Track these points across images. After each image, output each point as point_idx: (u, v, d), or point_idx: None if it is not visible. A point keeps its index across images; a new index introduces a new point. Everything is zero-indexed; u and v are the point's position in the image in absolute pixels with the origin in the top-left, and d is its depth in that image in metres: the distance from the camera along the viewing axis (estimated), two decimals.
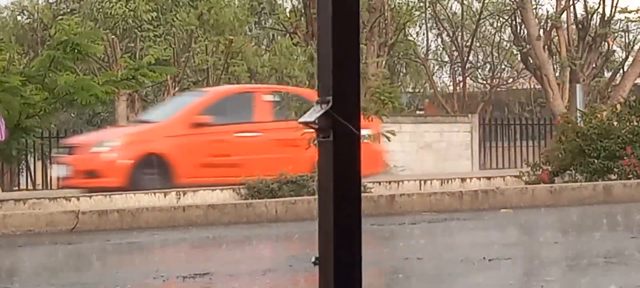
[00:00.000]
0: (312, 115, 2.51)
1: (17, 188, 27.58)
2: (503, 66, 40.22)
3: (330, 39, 2.45)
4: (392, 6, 31.45)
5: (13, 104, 20.03)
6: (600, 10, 32.92)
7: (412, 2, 36.27)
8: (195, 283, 11.95)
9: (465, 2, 37.57)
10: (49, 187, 28.23)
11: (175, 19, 30.86)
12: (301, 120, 2.65)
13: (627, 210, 18.96)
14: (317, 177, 2.62)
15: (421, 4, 36.88)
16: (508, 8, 35.85)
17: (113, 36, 28.40)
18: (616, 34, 35.15)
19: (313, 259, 2.63)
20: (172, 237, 16.67)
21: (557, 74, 31.01)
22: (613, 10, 33.17)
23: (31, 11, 33.57)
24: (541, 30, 31.44)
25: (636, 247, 13.80)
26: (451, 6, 37.93)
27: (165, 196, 22.89)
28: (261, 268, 13.37)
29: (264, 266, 13.45)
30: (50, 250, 15.87)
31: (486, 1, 37.35)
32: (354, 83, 2.54)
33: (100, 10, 30.46)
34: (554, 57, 31.48)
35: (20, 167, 28.12)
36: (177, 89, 29.04)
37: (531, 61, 32.58)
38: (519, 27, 34.19)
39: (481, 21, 37.66)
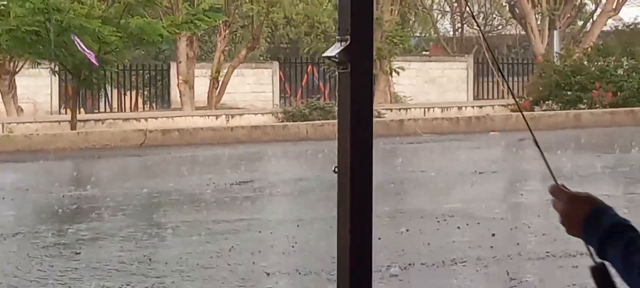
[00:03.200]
0: (333, 50, 2.50)
1: (97, 111, 27.64)
2: (494, 15, 39.91)
3: None
4: None
5: (93, 42, 20.10)
6: None
7: None
8: (240, 188, 12.00)
9: None
10: (123, 110, 28.33)
11: None
12: (324, 54, 2.63)
13: (593, 134, 18.89)
14: (337, 102, 2.59)
15: None
16: None
17: None
18: None
19: (334, 168, 2.63)
20: (222, 152, 16.73)
21: (538, 22, 30.70)
22: None
23: None
24: None
25: (601, 164, 13.77)
26: None
27: (216, 118, 22.95)
28: (295, 177, 13.41)
29: (297, 175, 13.50)
30: (124, 161, 15.97)
31: None
32: (368, 25, 2.52)
33: None
34: (536, 8, 31.13)
35: (100, 94, 28.13)
36: (227, 31, 28.96)
37: (517, 11, 32.35)
38: None
39: None
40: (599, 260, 1.99)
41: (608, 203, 2.13)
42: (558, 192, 2.14)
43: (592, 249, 2.02)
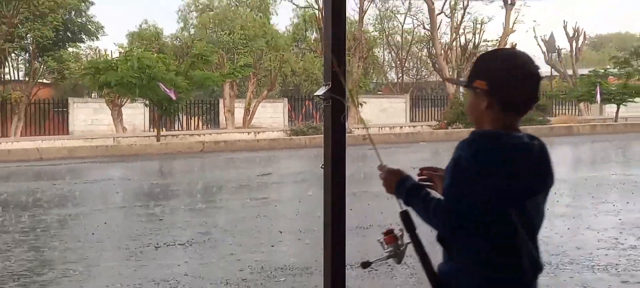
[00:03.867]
0: (321, 91, 2.52)
1: (173, 129, 27.62)
2: (422, 69, 40.03)
3: (330, 52, 2.45)
4: (366, 38, 31.31)
5: (170, 86, 20.12)
6: (473, 40, 32.69)
7: (375, 35, 35.95)
8: (262, 177, 11.99)
9: (403, 35, 37.24)
10: (189, 129, 28.35)
11: (255, 42, 30.70)
12: (315, 94, 2.64)
13: None
14: (324, 124, 2.59)
15: (381, 37, 36.59)
16: (425, 38, 35.48)
17: (222, 52, 28.29)
18: (486, 48, 34.95)
19: (321, 165, 2.63)
20: (251, 155, 16.73)
21: (450, 73, 30.80)
22: (480, 40, 32.97)
23: (181, 38, 33.48)
24: (442, 50, 31.17)
25: None
26: (396, 37, 37.64)
27: (248, 134, 22.95)
28: (297, 171, 13.41)
29: (298, 170, 13.49)
30: (190, 161, 15.94)
31: (414, 35, 37.01)
32: (342, 75, 2.53)
33: (216, 39, 30.39)
34: (449, 64, 31.24)
35: (175, 119, 28.13)
36: (255, 79, 29.00)
37: (437, 66, 32.44)
38: (431, 49, 33.96)
39: (411, 45, 37.39)
40: (405, 208, 2.23)
41: None
42: (382, 167, 2.36)
43: (401, 202, 2.24)
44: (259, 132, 23.87)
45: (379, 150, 2.51)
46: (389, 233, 2.25)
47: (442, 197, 2.12)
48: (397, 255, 2.23)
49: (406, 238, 2.23)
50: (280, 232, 7.13)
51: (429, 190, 2.20)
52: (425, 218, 2.13)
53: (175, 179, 12.62)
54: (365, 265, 2.27)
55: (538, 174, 2.13)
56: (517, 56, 2.19)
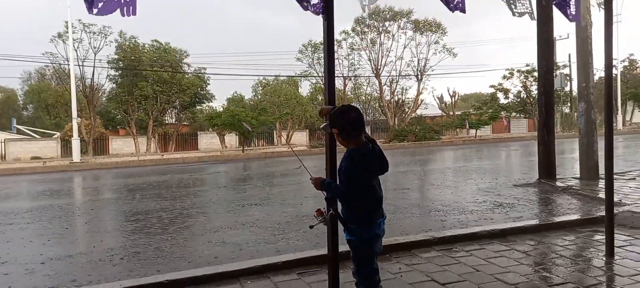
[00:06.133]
0: (323, 125, 2.57)
1: (250, 146, 27.46)
2: (376, 113, 38.83)
3: (327, 99, 2.47)
4: (347, 98, 30.66)
5: (249, 124, 19.98)
6: (402, 98, 31.72)
7: (352, 97, 34.81)
8: (297, 170, 11.85)
9: (366, 96, 36.23)
10: (259, 146, 28.24)
11: (291, 101, 30.40)
12: (321, 127, 2.70)
13: (402, 151, 18.28)
14: (325, 143, 2.65)
15: (355, 98, 34.92)
16: (377, 98, 34.23)
17: (274, 106, 28.09)
18: (408, 102, 34.01)
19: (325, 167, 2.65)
20: (289, 159, 16.57)
21: (390, 115, 30.07)
22: (405, 98, 31.90)
23: (253, 100, 32.76)
24: (386, 104, 30.44)
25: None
26: (362, 97, 36.49)
27: (288, 148, 22.71)
28: (313, 165, 13.15)
29: (314, 165, 13.24)
30: (258, 162, 15.68)
31: (372, 96, 36.10)
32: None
33: (271, 99, 30.11)
34: (389, 111, 30.56)
35: (251, 141, 27.99)
36: (291, 120, 28.86)
37: (383, 112, 31.74)
38: (380, 103, 33.13)
39: (371, 101, 36.14)
40: (326, 195, 2.47)
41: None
42: (311, 177, 2.53)
43: (324, 192, 2.46)
44: (293, 147, 23.75)
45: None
46: (318, 210, 2.53)
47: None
48: (325, 221, 2.52)
49: (328, 213, 2.54)
50: (305, 197, 7.08)
51: (335, 183, 2.48)
52: (335, 195, 2.48)
53: (252, 171, 12.51)
54: (311, 227, 2.55)
55: (379, 163, 2.43)
56: (348, 108, 2.43)
